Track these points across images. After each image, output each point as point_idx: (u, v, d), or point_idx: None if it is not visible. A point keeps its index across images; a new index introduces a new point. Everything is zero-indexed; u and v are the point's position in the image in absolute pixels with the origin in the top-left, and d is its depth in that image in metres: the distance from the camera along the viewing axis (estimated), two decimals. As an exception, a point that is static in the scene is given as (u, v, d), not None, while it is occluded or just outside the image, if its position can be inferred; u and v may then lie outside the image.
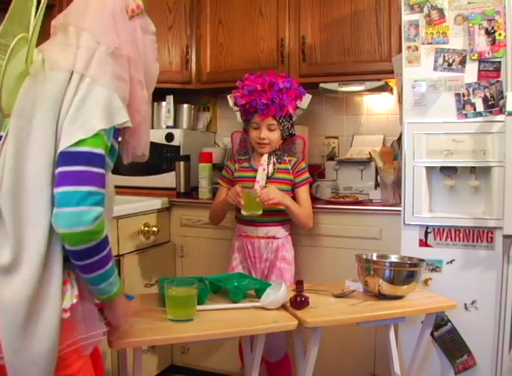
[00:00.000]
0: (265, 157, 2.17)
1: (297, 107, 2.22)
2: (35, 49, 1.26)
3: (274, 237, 2.13)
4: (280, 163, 2.20)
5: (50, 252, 1.09)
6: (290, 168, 2.19)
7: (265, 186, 2.11)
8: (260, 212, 2.01)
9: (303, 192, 2.18)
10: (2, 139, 1.18)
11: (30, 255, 1.07)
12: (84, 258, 1.11)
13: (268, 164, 2.17)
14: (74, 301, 1.14)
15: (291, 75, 2.64)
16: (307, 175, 2.21)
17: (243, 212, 2.03)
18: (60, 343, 1.11)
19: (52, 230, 1.09)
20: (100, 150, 1.12)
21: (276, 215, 2.14)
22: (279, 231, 2.15)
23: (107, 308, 1.26)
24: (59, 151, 1.10)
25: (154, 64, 1.36)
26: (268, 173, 2.15)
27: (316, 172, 2.82)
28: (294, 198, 2.15)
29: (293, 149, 2.28)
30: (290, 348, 2.14)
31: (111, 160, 1.25)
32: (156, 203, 2.51)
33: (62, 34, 1.25)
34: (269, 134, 2.13)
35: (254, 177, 2.14)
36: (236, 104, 2.24)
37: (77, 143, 1.09)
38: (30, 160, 1.11)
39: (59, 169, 1.09)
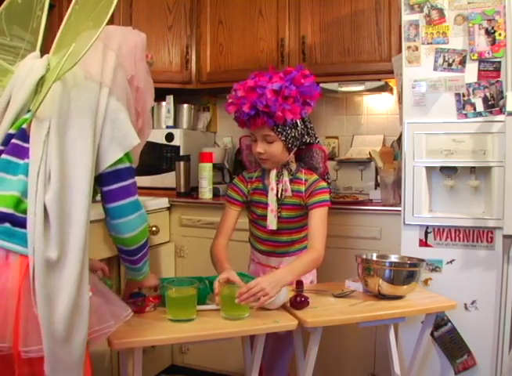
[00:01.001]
0: (273, 174, 1.82)
1: (306, 109, 1.80)
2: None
3: (287, 254, 1.91)
4: (293, 182, 1.83)
5: (85, 248, 1.18)
6: (303, 190, 1.82)
7: (280, 213, 1.80)
8: (246, 314, 1.51)
9: (313, 217, 1.78)
10: (27, 135, 1.23)
11: (75, 251, 1.15)
12: (139, 253, 1.36)
13: (278, 183, 1.82)
14: (90, 294, 1.19)
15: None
16: (323, 196, 1.79)
17: (221, 314, 1.52)
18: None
19: (86, 232, 1.19)
20: (132, 164, 1.32)
21: (289, 246, 1.89)
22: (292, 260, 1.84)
23: (144, 281, 1.53)
24: (102, 170, 1.26)
25: (147, 112, 1.52)
26: (278, 195, 1.82)
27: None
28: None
29: (314, 160, 1.88)
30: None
31: None
32: (156, 203, 2.50)
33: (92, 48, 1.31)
34: (267, 147, 1.76)
35: None
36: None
37: (118, 161, 1.27)
38: (74, 164, 1.20)
39: (107, 188, 1.28)
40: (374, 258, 1.82)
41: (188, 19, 2.84)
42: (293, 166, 1.87)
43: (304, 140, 1.85)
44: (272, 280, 1.55)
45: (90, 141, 1.22)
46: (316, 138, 1.91)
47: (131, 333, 1.38)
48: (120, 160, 1.28)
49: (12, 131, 1.27)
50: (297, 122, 1.79)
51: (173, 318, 1.47)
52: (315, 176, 1.86)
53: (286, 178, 1.83)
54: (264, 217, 1.85)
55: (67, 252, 1.15)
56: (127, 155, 1.30)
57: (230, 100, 1.81)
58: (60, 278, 1.13)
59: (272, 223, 1.82)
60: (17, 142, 1.24)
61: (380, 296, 1.71)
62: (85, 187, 1.19)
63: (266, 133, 1.75)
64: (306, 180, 1.84)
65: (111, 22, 2.64)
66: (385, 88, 2.51)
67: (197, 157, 2.70)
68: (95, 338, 1.22)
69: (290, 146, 1.79)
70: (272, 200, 1.82)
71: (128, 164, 1.30)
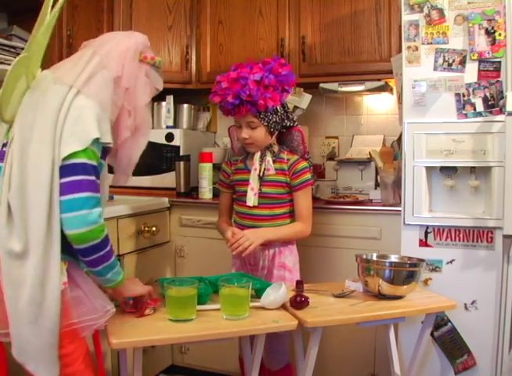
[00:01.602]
0: (257, 155, 1.97)
1: (284, 95, 1.95)
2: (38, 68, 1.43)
3: (269, 244, 1.97)
4: (276, 162, 1.98)
5: (50, 242, 1.26)
6: (286, 168, 1.96)
7: (260, 190, 1.94)
8: (246, 314, 1.52)
9: (301, 197, 1.96)
10: (8, 143, 1.35)
11: (36, 245, 1.24)
12: (91, 254, 1.31)
13: (261, 164, 1.97)
14: (62, 287, 1.29)
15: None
16: (305, 176, 1.96)
17: (221, 314, 1.53)
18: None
19: (50, 223, 1.26)
20: (92, 162, 1.31)
21: (269, 220, 1.97)
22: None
23: (119, 291, 1.46)
24: (60, 163, 1.28)
25: (143, 110, 1.52)
26: (259, 174, 1.96)
27: (316, 172, 2.82)
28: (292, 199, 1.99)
29: (295, 142, 2.04)
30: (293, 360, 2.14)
31: (98, 171, 1.39)
32: (156, 203, 2.51)
33: (80, 53, 1.46)
34: (251, 132, 1.92)
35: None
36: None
37: (74, 155, 1.28)
38: (33, 162, 1.28)
39: (61, 180, 1.28)
40: (374, 258, 1.81)
41: (188, 19, 2.85)
42: (276, 148, 2.01)
43: (284, 124, 1.99)
44: (256, 232, 1.87)
45: (49, 139, 1.28)
46: (295, 121, 2.06)
47: (131, 333, 1.38)
48: (75, 155, 1.28)
49: (5, 140, 1.39)
50: (277, 108, 1.94)
51: (173, 318, 1.47)
52: (296, 156, 2.00)
53: (268, 158, 1.97)
54: (245, 193, 1.98)
55: (30, 245, 1.25)
56: (85, 151, 1.30)
57: (214, 91, 1.94)
58: (24, 269, 1.24)
59: (250, 200, 1.96)
60: (3, 149, 1.37)
61: (380, 296, 1.71)
62: (44, 182, 1.26)
63: (250, 120, 1.90)
64: (288, 159, 1.98)
65: (111, 22, 2.65)
66: (385, 88, 2.51)
67: (197, 157, 2.70)
68: (77, 330, 1.32)
69: (272, 130, 1.95)
70: (253, 179, 1.96)
71: (83, 160, 1.29)
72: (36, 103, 1.34)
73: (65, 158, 1.28)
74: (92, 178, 1.31)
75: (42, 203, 1.25)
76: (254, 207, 1.97)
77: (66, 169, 1.28)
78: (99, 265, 1.34)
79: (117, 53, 1.45)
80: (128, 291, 1.49)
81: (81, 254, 1.31)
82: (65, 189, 1.27)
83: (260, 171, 1.96)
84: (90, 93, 1.35)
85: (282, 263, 1.99)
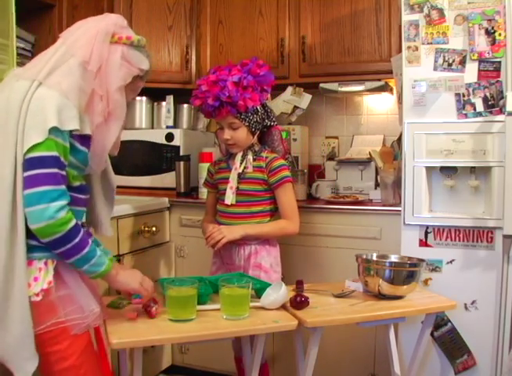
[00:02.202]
0: (239, 155, 1.99)
1: (264, 96, 1.96)
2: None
3: (245, 243, 1.96)
4: (255, 160, 1.98)
5: (13, 241, 1.26)
6: (263, 165, 1.97)
7: (238, 188, 1.97)
8: (246, 314, 1.51)
9: (282, 194, 1.96)
10: None
11: (1, 243, 1.25)
12: (58, 247, 1.29)
13: (241, 163, 1.98)
14: (45, 286, 1.29)
15: (291, 75, 2.66)
16: (283, 173, 1.95)
17: (221, 314, 1.52)
18: (41, 323, 1.30)
19: (13, 222, 1.26)
20: (52, 153, 1.27)
21: (247, 218, 1.97)
22: (251, 238, 1.97)
23: (110, 282, 1.44)
24: (22, 159, 1.27)
25: (116, 94, 1.42)
26: (239, 172, 1.97)
27: (316, 172, 2.83)
28: (272, 197, 1.99)
29: (275, 141, 2.04)
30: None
31: (77, 159, 1.38)
32: (156, 203, 2.51)
33: (51, 46, 1.42)
34: (233, 133, 1.93)
35: None
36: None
37: (32, 148, 1.26)
38: (1, 169, 1.28)
39: (23, 175, 1.27)
40: (374, 258, 1.81)
41: (188, 19, 2.85)
42: (257, 147, 2.02)
43: (265, 123, 2.01)
44: (231, 228, 1.92)
45: (12, 134, 1.28)
46: (275, 121, 2.05)
47: (131, 333, 1.38)
48: (34, 148, 1.26)
49: None
50: (257, 108, 1.95)
51: (173, 318, 1.47)
52: (274, 154, 2.02)
53: (250, 156, 1.99)
54: (225, 191, 2.00)
55: None
56: (44, 143, 1.27)
57: (195, 95, 1.97)
58: None
59: (228, 199, 1.98)
60: None
61: (380, 296, 1.71)
62: (6, 180, 1.26)
63: (231, 121, 1.93)
64: (266, 157, 2.00)
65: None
66: (385, 88, 2.51)
67: (197, 157, 2.70)
68: (71, 327, 1.33)
69: (253, 129, 1.96)
70: (233, 177, 1.98)
71: (40, 154, 1.26)
72: (4, 105, 1.32)
73: (27, 152, 1.26)
74: (52, 170, 1.27)
75: (5, 201, 1.26)
76: (231, 205, 1.98)
77: (26, 163, 1.27)
78: (70, 258, 1.31)
79: (86, 38, 1.40)
80: (120, 284, 1.46)
81: (49, 247, 1.30)
82: (26, 183, 1.26)
83: (240, 169, 1.98)
84: (51, 83, 1.32)
85: (258, 263, 1.97)
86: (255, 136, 1.99)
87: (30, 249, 1.30)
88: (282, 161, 1.99)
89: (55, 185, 1.27)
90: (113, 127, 1.44)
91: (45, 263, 1.32)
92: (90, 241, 1.35)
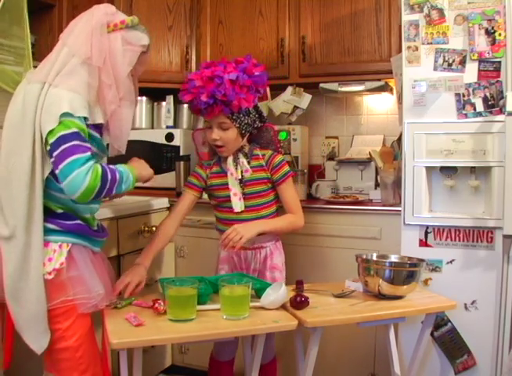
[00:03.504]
0: (230, 159, 1.91)
1: (257, 97, 1.90)
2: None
3: (261, 247, 1.95)
4: (251, 160, 1.92)
5: (30, 226, 1.41)
6: (264, 164, 1.92)
7: (243, 192, 1.90)
8: (246, 314, 1.51)
9: (285, 190, 1.93)
10: None
11: (19, 229, 1.40)
12: (101, 194, 1.43)
13: (236, 167, 1.91)
14: (57, 266, 1.43)
15: (291, 75, 2.66)
16: (285, 169, 1.92)
17: (221, 314, 1.52)
18: (51, 300, 1.43)
19: (31, 210, 1.41)
20: (70, 130, 1.39)
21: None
22: (265, 240, 1.95)
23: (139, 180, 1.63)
24: (45, 147, 1.42)
25: (126, 80, 1.54)
26: (238, 177, 1.90)
27: (316, 172, 2.82)
28: (277, 196, 1.97)
29: (265, 139, 1.99)
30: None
31: (94, 146, 1.49)
32: (157, 203, 2.50)
33: (54, 49, 1.53)
34: (222, 133, 1.85)
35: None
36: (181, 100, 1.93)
37: (52, 132, 1.38)
38: (15, 151, 1.43)
39: (52, 160, 1.40)
40: (374, 258, 1.81)
41: (188, 19, 2.85)
42: (247, 148, 1.95)
43: (255, 125, 1.92)
44: (247, 226, 1.82)
45: (29, 133, 1.42)
46: (265, 119, 1.98)
47: (131, 333, 1.38)
48: (54, 132, 1.39)
49: None
50: (249, 110, 1.88)
51: (173, 318, 1.47)
52: (270, 151, 1.97)
53: (242, 159, 1.92)
54: (228, 198, 1.92)
55: (15, 230, 1.40)
56: (61, 124, 1.39)
57: (185, 89, 1.86)
58: (9, 251, 1.41)
59: (237, 206, 1.90)
60: None
61: (380, 296, 1.71)
62: (22, 167, 1.41)
63: (222, 121, 1.84)
64: (263, 155, 1.95)
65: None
66: (385, 88, 2.51)
67: (197, 157, 2.70)
68: (75, 307, 1.45)
69: (243, 132, 1.88)
70: (233, 184, 1.90)
71: (60, 133, 1.38)
72: (18, 107, 1.46)
73: (49, 137, 1.39)
74: (73, 143, 1.38)
75: (23, 186, 1.40)
76: (241, 211, 1.91)
77: (51, 147, 1.39)
78: (111, 192, 1.46)
79: (83, 36, 1.49)
80: (141, 174, 1.63)
81: (100, 197, 1.46)
82: (55, 162, 1.39)
83: (237, 174, 1.91)
84: (60, 83, 1.44)
85: (274, 264, 1.97)
86: (244, 139, 1.92)
87: (47, 232, 1.44)
88: (281, 157, 1.96)
89: (80, 153, 1.38)
90: (128, 110, 1.55)
91: (60, 246, 1.45)
92: (116, 171, 1.48)
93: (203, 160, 2.05)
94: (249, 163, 1.93)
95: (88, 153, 1.40)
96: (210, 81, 1.79)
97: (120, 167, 1.52)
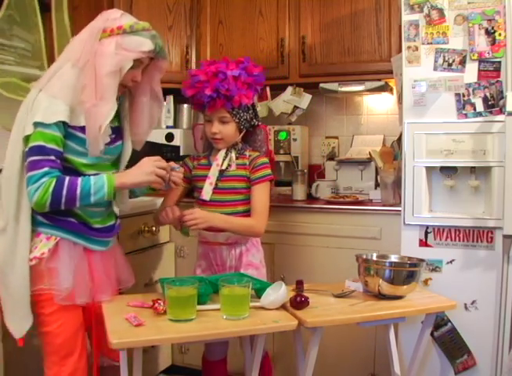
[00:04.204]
0: (222, 152, 1.96)
1: (255, 95, 1.99)
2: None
3: (236, 243, 1.96)
4: (238, 158, 1.97)
5: (18, 219, 1.53)
6: (247, 163, 1.96)
7: (217, 184, 1.93)
8: (246, 314, 1.51)
9: (256, 191, 1.93)
10: None
11: (9, 221, 1.52)
12: (58, 207, 1.51)
13: (224, 160, 1.95)
14: (38, 254, 1.53)
15: (291, 75, 2.66)
16: (264, 171, 1.94)
17: (221, 314, 1.52)
18: (32, 286, 1.52)
19: (19, 204, 1.53)
20: (36, 143, 1.49)
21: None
22: (241, 236, 1.96)
23: (125, 188, 1.69)
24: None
25: (105, 79, 1.54)
26: (221, 169, 1.94)
27: (316, 172, 2.83)
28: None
29: (257, 141, 2.04)
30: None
31: (83, 148, 1.57)
32: (156, 203, 2.50)
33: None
34: (222, 127, 1.91)
35: None
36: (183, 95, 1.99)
37: (26, 140, 1.51)
38: (9, 152, 1.55)
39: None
40: (374, 258, 1.81)
41: (188, 19, 2.85)
42: (240, 146, 2.01)
43: (252, 123, 1.98)
44: (206, 215, 1.85)
45: (20, 133, 1.53)
46: (259, 121, 2.04)
47: (131, 333, 1.38)
48: (27, 141, 1.51)
49: None
50: (248, 106, 1.95)
51: (173, 318, 1.47)
52: (257, 153, 2.01)
53: (232, 154, 1.97)
54: (201, 189, 1.95)
55: (8, 222, 1.52)
56: (32, 136, 1.50)
57: (188, 84, 1.93)
58: (3, 240, 1.53)
59: (206, 194, 1.94)
60: None
61: (380, 296, 1.71)
62: (12, 168, 1.53)
63: (222, 115, 1.90)
64: (250, 156, 1.99)
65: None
66: (385, 88, 2.51)
67: (195, 151, 2.70)
68: (53, 296, 1.53)
69: (241, 127, 1.95)
70: (213, 173, 1.95)
71: (30, 145, 1.50)
72: (21, 111, 1.58)
73: (25, 144, 1.52)
74: (35, 158, 1.49)
75: (14, 184, 1.53)
76: (217, 204, 1.94)
77: (26, 154, 1.52)
78: (74, 205, 1.53)
79: (78, 42, 1.57)
80: (131, 184, 1.61)
81: (54, 210, 1.53)
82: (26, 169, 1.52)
83: (222, 166, 1.95)
84: (47, 88, 1.52)
85: (249, 262, 1.98)
86: (241, 134, 1.98)
87: (40, 224, 1.56)
88: (265, 159, 1.99)
89: (35, 170, 1.48)
90: (104, 110, 1.54)
91: (48, 238, 1.56)
92: (79, 181, 1.51)
93: (195, 153, 2.11)
94: (236, 159, 1.97)
95: (45, 169, 1.48)
96: (214, 77, 1.86)
97: (93, 180, 1.53)
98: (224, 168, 1.94)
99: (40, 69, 2.32)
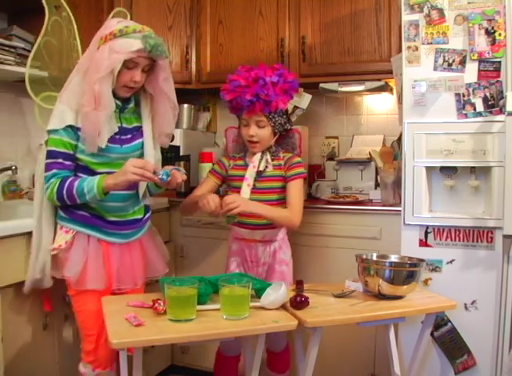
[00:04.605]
0: (258, 155, 2.06)
1: (291, 100, 2.11)
2: None
3: (271, 240, 2.06)
4: (274, 160, 2.07)
5: (41, 214, 1.79)
6: (282, 163, 2.06)
7: (254, 185, 2.02)
8: (246, 314, 1.51)
9: (291, 187, 2.02)
10: None
11: (36, 218, 1.79)
12: (64, 204, 1.74)
13: (260, 162, 2.05)
14: (56, 246, 1.75)
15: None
16: (299, 169, 2.04)
17: (221, 314, 1.52)
18: (58, 272, 1.77)
19: (42, 200, 1.78)
20: (49, 148, 1.73)
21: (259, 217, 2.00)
22: (276, 234, 2.06)
23: (113, 189, 1.72)
24: None
25: (98, 85, 1.68)
26: (258, 171, 2.04)
27: (316, 172, 2.82)
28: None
29: (290, 144, 2.14)
30: (291, 341, 2.15)
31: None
32: (156, 203, 2.50)
33: None
34: (258, 131, 2.00)
35: None
36: (222, 99, 2.10)
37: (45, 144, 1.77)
38: (41, 163, 1.80)
39: None
40: (374, 258, 1.81)
41: (188, 19, 2.85)
42: (273, 148, 2.09)
43: (285, 127, 2.08)
44: (245, 200, 1.96)
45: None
46: (292, 125, 2.15)
47: (131, 333, 1.38)
48: (46, 145, 1.75)
49: None
50: (283, 111, 2.05)
51: (173, 318, 1.47)
52: (290, 153, 2.11)
53: (268, 157, 2.07)
54: (240, 189, 2.03)
55: (37, 219, 1.79)
56: (48, 141, 1.73)
57: (227, 89, 2.03)
58: (35, 231, 1.78)
59: (245, 195, 2.02)
60: None
61: (380, 296, 1.71)
62: (40, 166, 1.78)
63: (260, 119, 2.00)
64: (284, 156, 2.09)
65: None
66: (385, 88, 2.51)
67: (197, 157, 2.70)
68: (69, 281, 1.76)
69: (276, 131, 2.04)
70: (250, 174, 2.04)
71: (46, 149, 1.74)
72: None
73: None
74: (47, 161, 1.73)
75: (40, 182, 1.78)
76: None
77: None
78: (75, 202, 1.72)
79: (86, 53, 1.76)
80: (115, 185, 1.69)
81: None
82: None
83: (259, 167, 2.04)
84: (60, 98, 1.75)
85: (282, 259, 2.07)
86: (275, 138, 2.07)
87: (62, 218, 1.79)
88: (299, 159, 2.09)
89: (46, 172, 1.73)
90: (100, 115, 1.67)
91: (66, 231, 1.77)
92: (76, 182, 1.69)
93: (231, 153, 2.20)
94: (272, 160, 2.06)
95: (53, 171, 1.72)
96: (254, 82, 1.96)
97: (87, 181, 1.70)
98: (261, 169, 2.04)
99: (40, 69, 2.32)
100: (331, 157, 2.78)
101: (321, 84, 2.56)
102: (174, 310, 1.47)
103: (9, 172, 2.35)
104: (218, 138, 3.20)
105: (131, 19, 2.69)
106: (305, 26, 2.61)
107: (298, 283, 1.75)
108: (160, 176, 1.68)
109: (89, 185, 1.68)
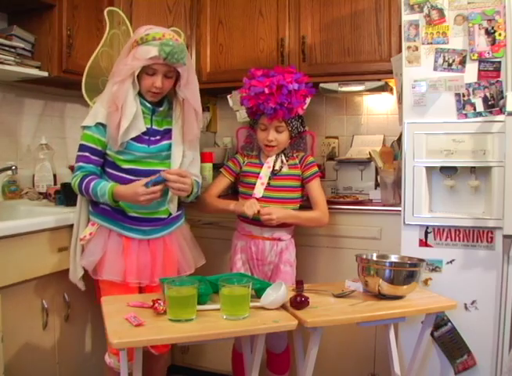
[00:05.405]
0: (273, 156, 2.12)
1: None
2: None
3: (279, 239, 2.09)
4: (288, 159, 2.13)
5: (81, 209, 1.96)
6: (298, 162, 2.12)
7: (269, 183, 2.07)
8: (246, 314, 1.51)
9: (314, 187, 2.11)
10: None
11: (76, 211, 1.99)
12: (84, 196, 1.91)
13: (275, 162, 2.11)
14: (81, 236, 1.90)
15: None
16: (315, 169, 2.13)
17: (221, 314, 1.51)
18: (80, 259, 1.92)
19: (82, 198, 1.95)
20: (82, 142, 1.88)
21: None
22: (284, 233, 2.10)
23: (122, 199, 1.85)
24: None
25: (116, 87, 1.83)
26: (273, 170, 2.09)
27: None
28: (303, 194, 2.14)
29: (302, 144, 2.20)
30: (291, 342, 2.15)
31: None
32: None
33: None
34: (277, 135, 2.06)
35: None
36: (242, 104, 2.18)
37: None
38: None
39: None
40: (374, 258, 1.82)
41: (188, 19, 2.84)
42: (288, 150, 2.15)
43: (299, 130, 2.13)
44: (280, 215, 1.98)
45: None
46: (305, 127, 2.19)
47: (131, 333, 1.38)
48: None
49: None
50: (299, 115, 2.10)
51: (173, 318, 1.47)
52: (303, 153, 2.18)
53: (282, 158, 2.13)
54: (252, 185, 2.09)
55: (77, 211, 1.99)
56: (82, 136, 1.89)
57: (249, 95, 2.06)
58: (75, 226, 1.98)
59: (258, 193, 2.07)
60: None
61: (380, 296, 1.71)
62: None
63: (279, 124, 2.05)
64: (297, 156, 2.16)
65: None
66: (385, 88, 2.51)
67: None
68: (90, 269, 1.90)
69: (293, 134, 2.10)
70: (265, 173, 2.10)
71: (80, 142, 1.90)
72: None
73: None
74: (79, 153, 1.89)
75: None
76: (267, 201, 2.05)
77: None
78: (91, 198, 1.87)
79: (118, 59, 1.89)
80: (124, 199, 1.83)
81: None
82: None
83: (273, 168, 2.09)
84: (98, 98, 1.93)
85: (287, 259, 2.09)
86: (290, 140, 2.12)
87: (91, 212, 1.94)
88: (312, 158, 2.16)
89: (76, 163, 1.90)
90: (123, 116, 1.79)
91: (92, 224, 1.92)
92: (92, 183, 1.82)
93: (245, 151, 2.23)
94: (287, 161, 2.13)
95: (79, 164, 1.88)
96: (278, 90, 1.99)
97: (100, 185, 1.82)
98: (277, 168, 2.10)
99: (40, 69, 2.32)
100: (331, 157, 2.78)
101: (321, 84, 2.56)
102: (174, 310, 1.47)
103: (9, 172, 2.35)
104: (218, 138, 3.20)
105: (130, 19, 2.72)
106: (305, 26, 2.61)
107: (298, 284, 1.75)
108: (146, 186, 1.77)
109: (102, 191, 1.82)
